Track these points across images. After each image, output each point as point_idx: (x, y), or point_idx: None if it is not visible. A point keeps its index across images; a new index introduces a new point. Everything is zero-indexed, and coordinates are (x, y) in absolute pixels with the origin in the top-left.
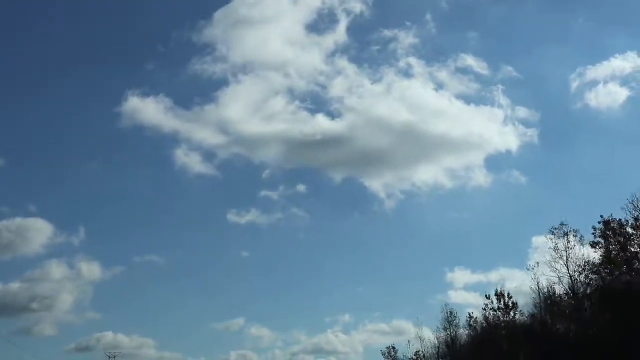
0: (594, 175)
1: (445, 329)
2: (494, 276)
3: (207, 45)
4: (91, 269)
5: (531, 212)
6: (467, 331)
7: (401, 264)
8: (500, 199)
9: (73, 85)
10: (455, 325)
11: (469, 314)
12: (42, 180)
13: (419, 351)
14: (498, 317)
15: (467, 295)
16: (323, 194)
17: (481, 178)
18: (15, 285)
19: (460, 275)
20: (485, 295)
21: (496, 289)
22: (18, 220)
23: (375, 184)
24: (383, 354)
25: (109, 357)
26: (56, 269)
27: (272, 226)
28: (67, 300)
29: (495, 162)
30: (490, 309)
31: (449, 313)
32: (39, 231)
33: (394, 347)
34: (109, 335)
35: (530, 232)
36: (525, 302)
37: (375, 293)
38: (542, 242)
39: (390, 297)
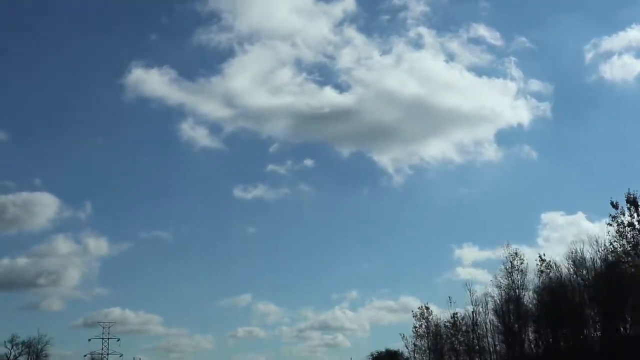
0: (608, 150)
1: (508, 276)
2: (502, 253)
3: (212, 15)
4: (98, 245)
5: (542, 188)
6: (538, 278)
7: (409, 240)
8: (510, 174)
9: (76, 57)
10: (522, 271)
11: (540, 256)
12: (48, 154)
13: (456, 313)
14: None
15: (476, 272)
16: (331, 168)
17: (491, 153)
18: (22, 260)
19: (469, 252)
20: (612, 203)
21: (627, 192)
22: (24, 194)
23: (384, 158)
24: (414, 316)
25: (104, 328)
26: (63, 244)
27: (279, 202)
28: (74, 276)
29: (506, 136)
30: (619, 224)
31: (513, 254)
32: (46, 206)
33: (427, 307)
34: (116, 311)
35: (540, 208)
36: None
37: (383, 270)
38: (551, 219)
39: (397, 274)
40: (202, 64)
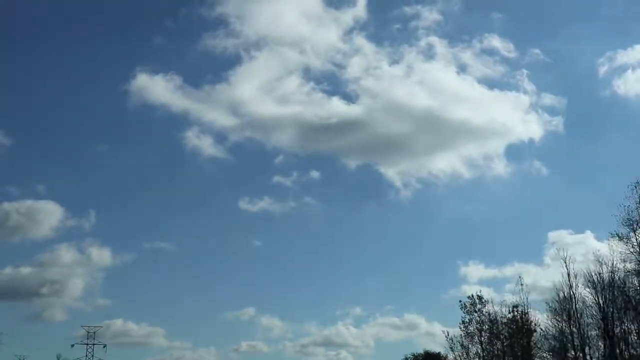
0: (621, 167)
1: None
2: (508, 271)
3: (219, 20)
4: (102, 255)
5: (551, 205)
6: None
7: (415, 256)
8: (519, 191)
9: (80, 61)
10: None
11: None
12: (52, 160)
13: (517, 305)
14: None
15: (482, 290)
16: (337, 181)
17: (501, 168)
18: (25, 270)
19: (475, 270)
20: None
21: None
22: (28, 202)
23: (391, 171)
24: (462, 307)
25: (89, 332)
26: (66, 254)
27: (285, 215)
28: (77, 286)
29: (517, 151)
30: None
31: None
32: (50, 214)
33: (480, 297)
34: (118, 323)
35: (548, 226)
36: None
37: (387, 286)
38: (558, 238)
39: (402, 291)
40: (208, 70)
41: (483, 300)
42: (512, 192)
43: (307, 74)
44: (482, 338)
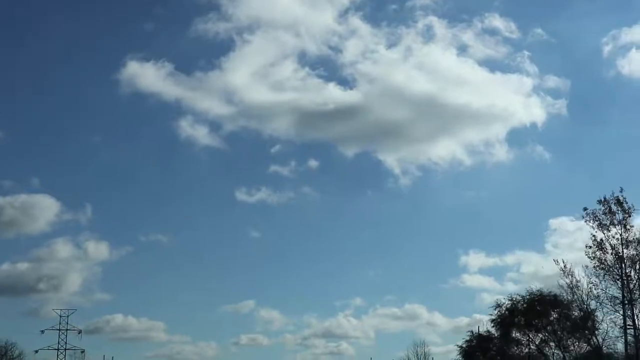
0: (627, 152)
1: None
2: (510, 259)
3: (210, 3)
4: (99, 249)
5: (553, 192)
6: None
7: (415, 245)
8: (520, 177)
9: (69, 51)
10: None
11: None
12: (45, 152)
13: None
14: None
15: (482, 279)
16: (335, 169)
17: (502, 154)
18: (21, 265)
19: (475, 259)
20: None
21: None
22: (23, 196)
23: (390, 159)
24: (589, 219)
25: (61, 317)
26: (63, 248)
27: (283, 205)
28: (74, 281)
29: (519, 136)
30: None
31: None
32: (45, 208)
33: (620, 201)
34: (118, 318)
35: (549, 213)
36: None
37: (387, 276)
38: (560, 224)
39: (402, 280)
40: (200, 56)
41: (626, 207)
42: (514, 179)
43: (303, 58)
44: (627, 270)
